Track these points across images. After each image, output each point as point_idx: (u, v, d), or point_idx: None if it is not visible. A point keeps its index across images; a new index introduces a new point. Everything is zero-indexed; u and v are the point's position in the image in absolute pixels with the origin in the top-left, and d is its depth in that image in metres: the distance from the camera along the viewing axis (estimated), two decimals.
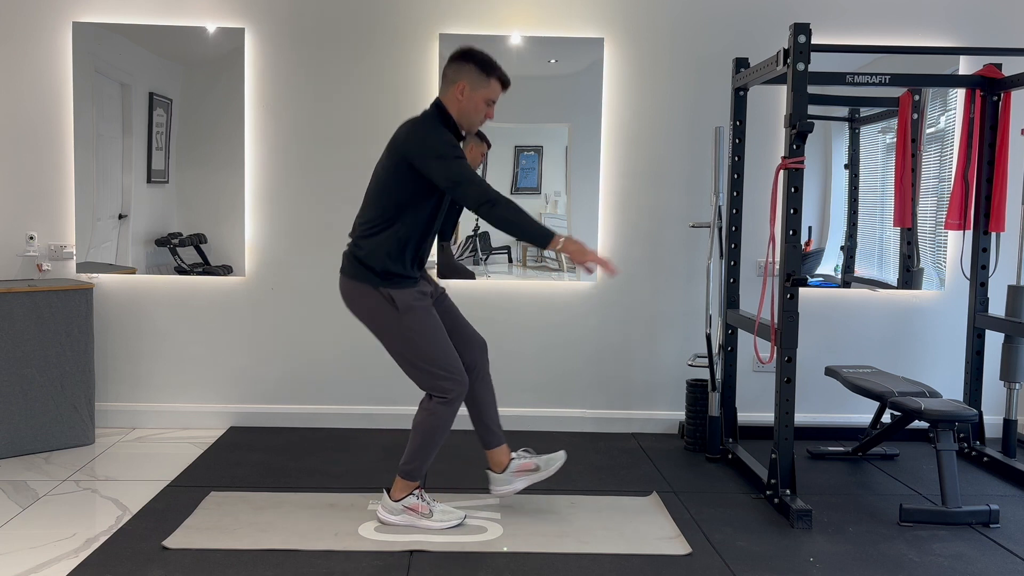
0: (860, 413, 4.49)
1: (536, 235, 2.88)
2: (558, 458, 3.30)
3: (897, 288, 4.55)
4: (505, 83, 3.06)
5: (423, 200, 2.99)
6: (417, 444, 3.09)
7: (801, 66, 3.32)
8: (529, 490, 3.49)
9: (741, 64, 4.07)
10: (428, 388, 3.07)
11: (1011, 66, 4.08)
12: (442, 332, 3.06)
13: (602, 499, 3.48)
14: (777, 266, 3.51)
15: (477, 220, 4.38)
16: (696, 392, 4.20)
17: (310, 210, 4.42)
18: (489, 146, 3.16)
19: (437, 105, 3.04)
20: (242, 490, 3.49)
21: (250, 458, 3.92)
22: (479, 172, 3.76)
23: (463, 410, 3.19)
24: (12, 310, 3.87)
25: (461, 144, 3.05)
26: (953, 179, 4.14)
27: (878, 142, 4.50)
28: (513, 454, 3.28)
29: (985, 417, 4.28)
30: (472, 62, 3.00)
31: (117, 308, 4.40)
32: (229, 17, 4.35)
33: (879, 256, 4.55)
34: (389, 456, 3.98)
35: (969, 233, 4.20)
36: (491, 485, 3.29)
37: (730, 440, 4.11)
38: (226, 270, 4.41)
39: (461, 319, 3.26)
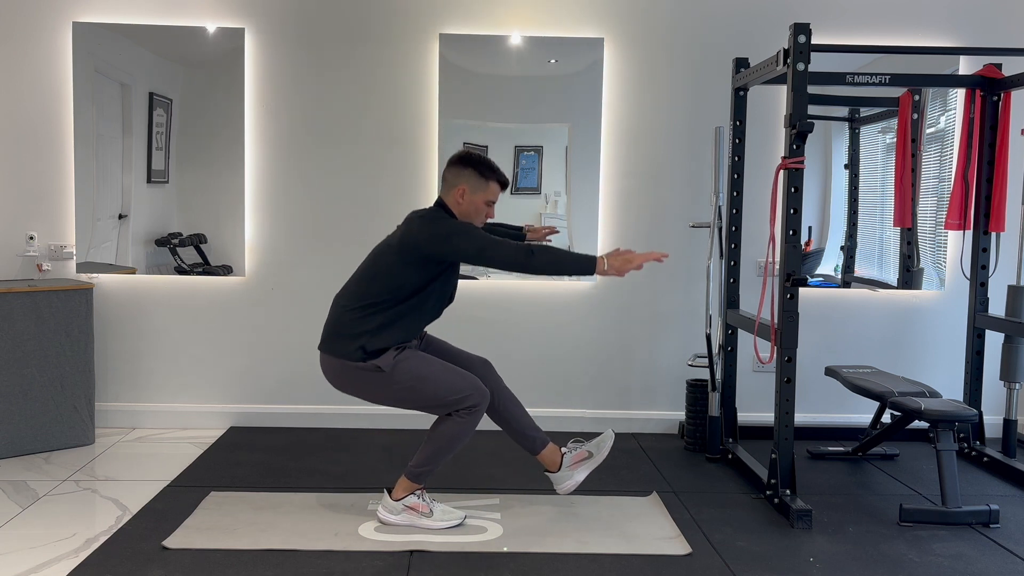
0: (860, 413, 4.49)
1: (580, 267, 2.99)
2: (607, 438, 3.32)
3: (897, 288, 4.54)
4: (504, 184, 3.15)
5: (430, 284, 3.07)
6: (434, 449, 3.10)
7: (801, 66, 3.32)
8: (529, 490, 3.50)
9: (741, 64, 4.07)
10: (452, 411, 3.10)
11: (1011, 66, 4.07)
12: (436, 364, 3.09)
13: (602, 499, 3.48)
14: (777, 266, 3.51)
15: None
16: (696, 392, 4.20)
17: (310, 210, 4.42)
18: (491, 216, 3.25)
19: (440, 204, 3.13)
20: (242, 490, 3.49)
21: (250, 458, 3.92)
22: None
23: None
24: (12, 310, 3.87)
25: None
26: (953, 179, 4.14)
27: (878, 142, 4.50)
28: (563, 449, 3.30)
29: (985, 417, 4.28)
30: (471, 167, 3.10)
31: (117, 308, 4.40)
32: (229, 17, 4.35)
33: (879, 256, 4.55)
34: (389, 456, 3.98)
35: (969, 233, 4.20)
36: (555, 486, 3.29)
37: (730, 440, 4.11)
38: (226, 270, 4.41)
39: (453, 349, 3.31)
